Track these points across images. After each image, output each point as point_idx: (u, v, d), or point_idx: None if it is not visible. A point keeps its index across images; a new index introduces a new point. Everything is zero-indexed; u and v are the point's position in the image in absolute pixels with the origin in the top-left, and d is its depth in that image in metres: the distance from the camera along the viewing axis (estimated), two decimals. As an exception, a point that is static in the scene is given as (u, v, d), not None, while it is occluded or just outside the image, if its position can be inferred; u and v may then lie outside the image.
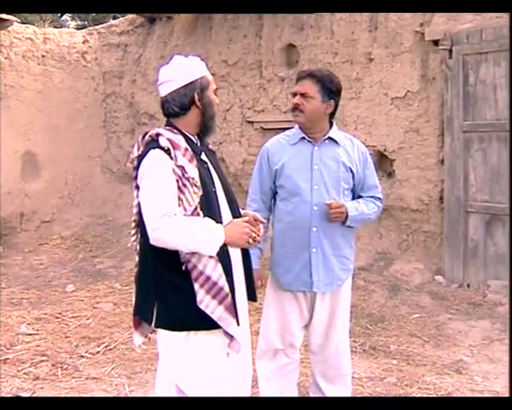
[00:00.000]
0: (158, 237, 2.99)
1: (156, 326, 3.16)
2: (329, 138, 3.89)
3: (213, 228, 3.04)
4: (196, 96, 3.17)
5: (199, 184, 3.05)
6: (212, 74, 9.85)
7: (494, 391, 4.81)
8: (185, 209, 3.02)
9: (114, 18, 14.89)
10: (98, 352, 5.72)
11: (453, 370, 5.22)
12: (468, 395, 4.73)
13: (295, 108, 3.82)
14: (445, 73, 7.25)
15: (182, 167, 3.02)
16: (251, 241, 3.14)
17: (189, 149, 3.10)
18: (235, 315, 3.08)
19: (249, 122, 9.32)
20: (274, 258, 3.99)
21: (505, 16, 6.89)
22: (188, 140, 3.16)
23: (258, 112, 9.19)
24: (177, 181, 3.02)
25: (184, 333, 3.08)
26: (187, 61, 3.22)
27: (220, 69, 9.64)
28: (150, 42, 10.90)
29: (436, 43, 7.35)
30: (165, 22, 10.63)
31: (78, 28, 15.14)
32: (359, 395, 4.65)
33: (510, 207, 6.56)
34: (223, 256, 3.07)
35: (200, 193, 3.04)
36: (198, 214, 3.03)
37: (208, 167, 3.23)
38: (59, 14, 20.70)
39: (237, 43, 9.43)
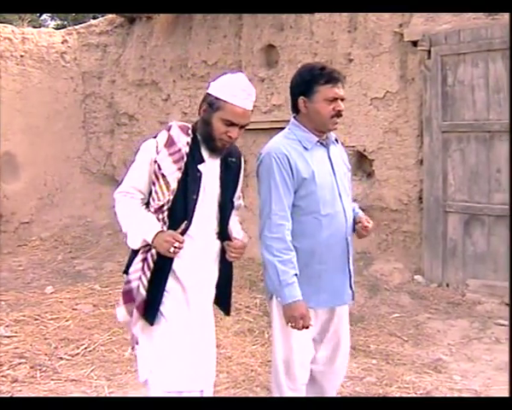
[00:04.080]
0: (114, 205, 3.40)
1: None
2: (335, 139, 3.72)
3: (146, 226, 3.22)
4: (203, 107, 3.30)
5: (172, 185, 3.22)
6: (192, 75, 9.91)
7: (473, 390, 4.84)
8: (153, 200, 3.28)
9: (94, 18, 14.82)
10: (77, 354, 5.68)
11: (432, 369, 5.26)
12: (447, 393, 4.77)
13: (339, 115, 3.50)
14: (423, 74, 7.29)
15: (157, 164, 3.24)
16: (171, 250, 3.14)
17: (185, 151, 3.26)
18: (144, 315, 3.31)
19: (229, 122, 9.28)
20: (300, 279, 3.42)
21: (483, 17, 6.95)
22: (196, 144, 3.32)
23: (238, 112, 9.16)
24: (153, 173, 3.28)
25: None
26: (229, 80, 3.30)
27: (200, 70, 9.63)
28: (130, 42, 10.87)
29: (415, 43, 7.38)
30: (144, 22, 10.60)
31: (58, 28, 15.07)
32: (338, 395, 4.66)
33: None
34: (161, 257, 3.24)
35: (171, 194, 3.22)
36: (163, 212, 3.24)
37: (200, 177, 3.29)
38: (38, 14, 20.61)
39: (217, 43, 9.43)
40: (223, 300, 3.59)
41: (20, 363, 5.40)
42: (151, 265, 3.25)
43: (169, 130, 3.32)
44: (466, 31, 6.94)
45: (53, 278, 8.52)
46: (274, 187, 3.41)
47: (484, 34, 6.79)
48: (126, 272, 3.42)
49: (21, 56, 10.69)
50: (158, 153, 3.26)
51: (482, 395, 4.72)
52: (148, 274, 3.26)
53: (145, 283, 3.26)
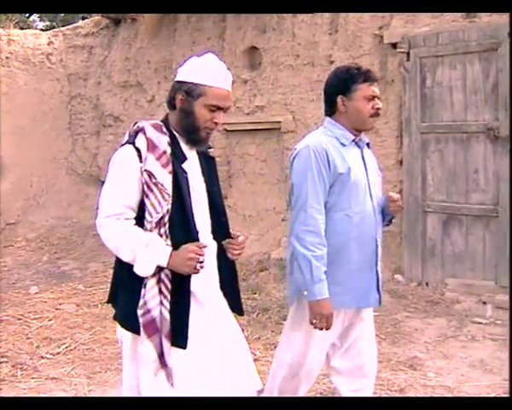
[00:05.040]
0: (100, 234, 2.97)
1: (114, 318, 3.15)
2: (367, 143, 3.70)
3: (156, 249, 2.88)
4: (179, 97, 2.99)
5: (169, 191, 2.90)
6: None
7: (446, 386, 4.91)
8: (151, 215, 2.89)
9: (83, 18, 14.85)
10: (59, 353, 5.75)
11: (407, 366, 5.32)
12: (421, 390, 4.84)
13: (377, 113, 3.51)
14: (403, 76, 7.37)
15: (149, 172, 2.87)
16: (198, 267, 2.87)
17: (169, 152, 2.94)
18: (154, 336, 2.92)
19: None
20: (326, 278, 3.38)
21: (461, 20, 7.04)
22: (175, 141, 3.02)
23: (222, 114, 9.24)
24: (143, 185, 2.89)
25: (130, 334, 3.02)
26: (203, 62, 3.02)
27: (184, 71, 9.68)
28: (115, 44, 10.93)
29: (394, 46, 7.46)
30: (129, 24, 10.66)
31: (47, 29, 15.11)
32: (313, 391, 4.73)
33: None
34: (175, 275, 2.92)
35: (170, 202, 2.90)
36: (164, 224, 2.90)
37: (187, 177, 2.99)
38: (27, 15, 20.62)
39: (201, 45, 9.48)
40: (233, 301, 3.26)
41: (1, 362, 5.46)
42: (169, 285, 2.91)
43: (145, 132, 2.94)
44: (444, 33, 7.03)
45: (38, 279, 8.59)
46: (311, 180, 3.36)
47: (461, 37, 6.89)
48: (112, 301, 3.16)
49: (7, 58, 10.79)
50: (142, 161, 2.89)
51: (455, 392, 4.81)
52: (169, 296, 2.90)
53: (168, 306, 2.90)
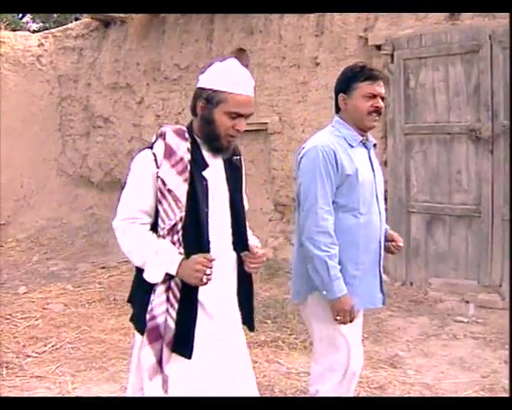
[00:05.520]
0: (116, 236, 2.97)
1: (130, 319, 3.14)
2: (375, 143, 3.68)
3: (166, 257, 2.85)
4: (199, 104, 2.93)
5: (182, 199, 2.86)
6: (165, 78, 10.01)
7: (425, 384, 4.99)
8: (163, 222, 2.87)
9: (76, 19, 14.88)
10: (44, 351, 5.80)
11: (388, 364, 5.39)
12: (400, 387, 4.91)
13: (377, 111, 3.46)
14: (387, 77, 7.44)
15: (161, 179, 2.85)
16: (204, 280, 2.80)
17: (187, 159, 2.89)
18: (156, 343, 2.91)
19: (200, 125, 9.43)
20: None
21: (444, 22, 7.12)
22: (196, 148, 2.96)
23: (210, 115, 9.30)
24: (158, 190, 2.87)
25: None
26: (223, 68, 2.95)
27: (172, 73, 9.79)
28: (105, 45, 10.98)
29: (379, 47, 7.53)
30: (119, 26, 10.72)
31: (40, 30, 15.14)
32: (293, 389, 4.81)
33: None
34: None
35: (184, 209, 2.86)
36: (177, 232, 2.86)
37: (207, 185, 2.93)
38: (19, 16, 20.65)
39: (189, 47, 9.57)
40: (246, 316, 3.20)
41: (-13, 362, 5.53)
42: (177, 294, 2.89)
43: (164, 138, 2.91)
44: (427, 35, 7.11)
45: (27, 279, 8.63)
46: (320, 180, 3.33)
47: (444, 39, 6.97)
48: (131, 301, 3.14)
49: (-3, 60, 10.82)
50: (159, 166, 2.87)
51: (433, 389, 4.88)
52: (176, 305, 2.88)
53: (174, 315, 2.87)
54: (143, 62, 10.22)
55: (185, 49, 9.61)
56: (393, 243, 3.65)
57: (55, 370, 5.39)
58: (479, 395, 4.74)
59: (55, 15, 19.49)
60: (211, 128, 2.89)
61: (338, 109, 3.57)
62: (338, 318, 3.34)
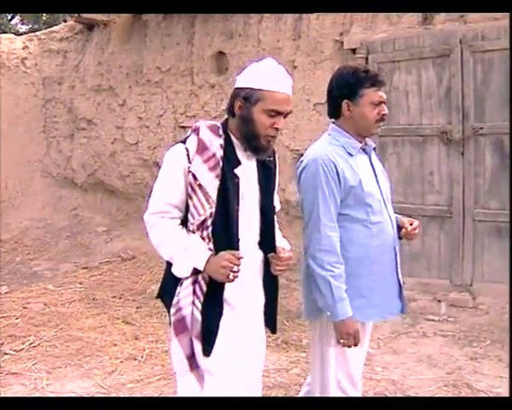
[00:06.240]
0: (147, 230, 2.99)
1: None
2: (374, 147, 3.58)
3: (194, 252, 2.87)
4: (237, 104, 2.92)
5: (212, 195, 2.87)
6: (147, 81, 10.09)
7: (391, 380, 5.12)
8: (193, 217, 2.88)
9: (65, 21, 14.93)
10: (22, 349, 5.91)
11: (357, 361, 5.52)
12: (366, 383, 4.99)
13: (383, 119, 3.35)
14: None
15: (192, 174, 2.85)
16: (231, 277, 2.81)
17: (219, 155, 2.89)
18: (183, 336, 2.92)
19: (182, 127, 9.54)
20: (348, 291, 3.24)
21: (417, 27, 7.26)
22: (230, 145, 2.96)
23: (190, 117, 9.41)
24: (189, 185, 2.87)
25: None
26: (261, 67, 2.96)
27: (154, 76, 9.90)
28: (89, 48, 11.05)
29: (354, 51, 7.66)
30: (102, 29, 10.81)
31: (31, 31, 15.18)
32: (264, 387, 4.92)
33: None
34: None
35: (214, 205, 2.86)
36: (207, 227, 2.87)
37: (238, 182, 2.93)
38: (8, 18, 20.70)
39: (170, 50, 9.69)
40: (269, 318, 3.18)
41: (-35, 359, 5.63)
42: (204, 288, 2.89)
43: (198, 133, 2.91)
44: (400, 39, 7.24)
45: (9, 279, 8.70)
46: (322, 197, 3.20)
47: (416, 43, 7.09)
48: (160, 296, 3.14)
49: (-19, 62, 10.89)
50: (190, 161, 2.87)
51: (398, 385, 5.01)
52: (202, 298, 2.88)
53: (200, 307, 2.87)
54: (126, 65, 10.32)
55: (167, 52, 9.72)
56: (404, 231, 3.48)
57: (31, 367, 5.50)
58: (442, 391, 4.87)
59: (45, 17, 19.52)
60: (250, 127, 2.89)
61: (334, 115, 3.44)
62: (342, 341, 3.23)
